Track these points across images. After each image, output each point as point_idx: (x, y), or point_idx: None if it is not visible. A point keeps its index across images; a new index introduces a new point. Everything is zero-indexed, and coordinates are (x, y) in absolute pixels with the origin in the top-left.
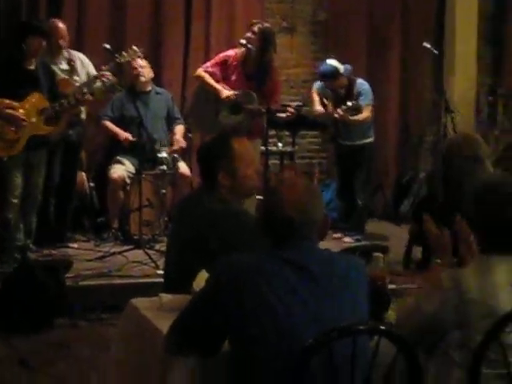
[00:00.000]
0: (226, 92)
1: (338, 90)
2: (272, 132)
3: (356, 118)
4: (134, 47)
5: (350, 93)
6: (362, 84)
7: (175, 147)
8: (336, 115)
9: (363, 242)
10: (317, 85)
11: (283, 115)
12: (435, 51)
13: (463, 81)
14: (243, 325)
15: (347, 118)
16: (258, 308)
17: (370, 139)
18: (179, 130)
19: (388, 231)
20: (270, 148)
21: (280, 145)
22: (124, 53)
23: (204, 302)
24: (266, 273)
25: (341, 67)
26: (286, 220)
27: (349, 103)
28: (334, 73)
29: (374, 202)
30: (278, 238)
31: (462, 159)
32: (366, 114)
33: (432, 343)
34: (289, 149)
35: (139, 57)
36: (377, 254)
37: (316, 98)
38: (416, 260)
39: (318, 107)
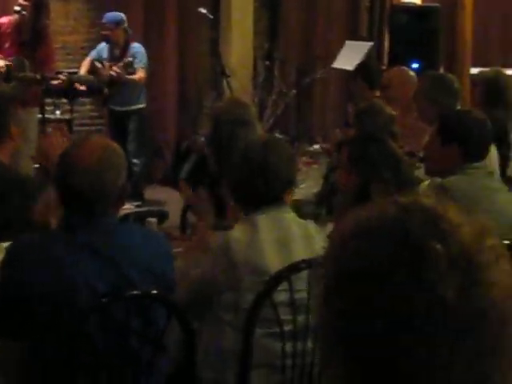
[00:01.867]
0: None
1: (114, 51)
2: (50, 100)
3: (131, 77)
4: None
5: (125, 54)
6: (137, 47)
7: None
8: (112, 73)
9: (141, 208)
10: (93, 52)
11: (56, 82)
12: (211, 16)
13: (240, 45)
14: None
15: (123, 76)
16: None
17: (142, 105)
18: None
19: (168, 196)
20: (47, 116)
21: (58, 112)
22: None
23: None
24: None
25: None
26: (74, 191)
27: (125, 60)
28: (119, 19)
29: (153, 168)
30: (71, 211)
31: (230, 123)
32: (140, 74)
33: (204, 306)
34: (67, 116)
35: None
36: (150, 219)
37: (86, 63)
38: (193, 224)
39: (84, 71)
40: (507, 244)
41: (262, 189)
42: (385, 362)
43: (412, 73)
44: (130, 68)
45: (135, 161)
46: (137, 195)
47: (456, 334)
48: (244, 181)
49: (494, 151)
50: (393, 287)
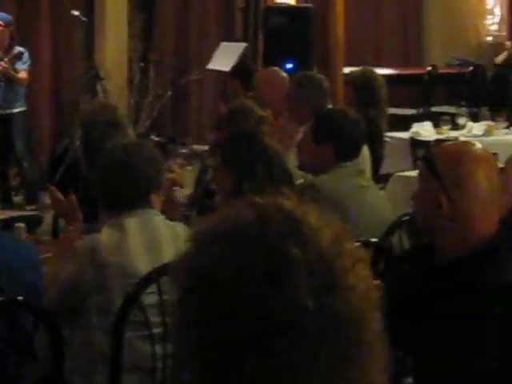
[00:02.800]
0: None
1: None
2: None
3: (15, 73)
4: None
5: (9, 53)
6: (22, 50)
7: None
8: None
9: (13, 213)
10: None
11: None
12: (84, 19)
13: (114, 48)
14: None
15: (9, 72)
16: None
17: (23, 108)
18: None
19: (46, 201)
20: None
21: None
22: None
23: None
24: None
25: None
26: None
27: (13, 52)
28: (8, 20)
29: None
30: None
31: (97, 126)
32: (23, 75)
33: (74, 310)
34: None
35: None
36: (19, 224)
37: None
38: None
39: None
40: (374, 242)
41: (126, 191)
42: (241, 366)
43: (283, 74)
44: (16, 62)
45: (26, 165)
46: (31, 200)
47: (316, 339)
48: (109, 184)
49: (366, 150)
50: (250, 292)
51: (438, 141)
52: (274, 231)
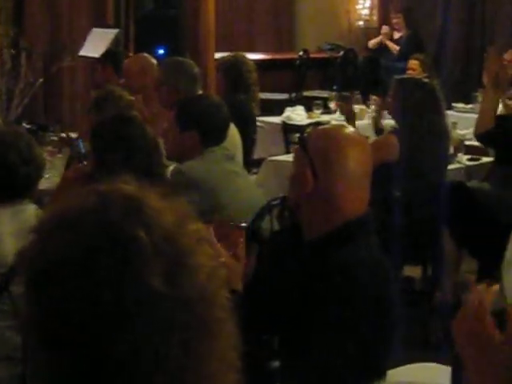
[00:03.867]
0: None
1: None
2: None
3: None
4: None
5: None
6: None
7: None
8: None
9: None
10: None
11: None
12: None
13: None
14: None
15: None
16: None
17: None
18: None
19: None
20: None
21: None
22: None
23: None
24: None
25: None
26: None
27: None
28: None
29: None
30: None
31: None
32: None
33: None
34: None
35: None
36: None
37: None
38: None
39: None
40: (244, 226)
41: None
42: (93, 352)
43: (153, 60)
44: None
45: None
46: None
47: (167, 318)
48: None
49: (236, 134)
50: (99, 277)
51: (316, 124)
52: (116, 215)
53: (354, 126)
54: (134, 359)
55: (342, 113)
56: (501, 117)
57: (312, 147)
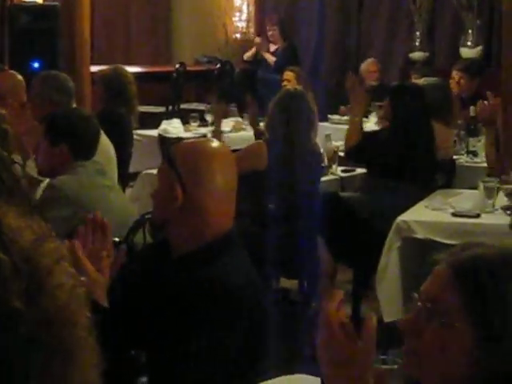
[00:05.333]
0: None
1: None
2: None
3: None
4: None
5: None
6: None
7: None
8: None
9: None
10: None
11: None
12: None
13: None
14: None
15: None
16: None
17: None
18: None
19: None
20: None
21: None
22: None
23: None
24: None
25: None
26: None
27: None
28: None
29: None
30: None
31: None
32: None
33: None
34: None
35: None
36: None
37: None
38: None
39: None
40: (116, 241)
41: None
42: None
43: (18, 76)
44: None
45: None
46: None
47: (28, 339)
48: None
49: (110, 148)
50: None
51: (179, 138)
52: None
53: (219, 124)
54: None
55: (214, 114)
56: (366, 133)
57: (180, 162)
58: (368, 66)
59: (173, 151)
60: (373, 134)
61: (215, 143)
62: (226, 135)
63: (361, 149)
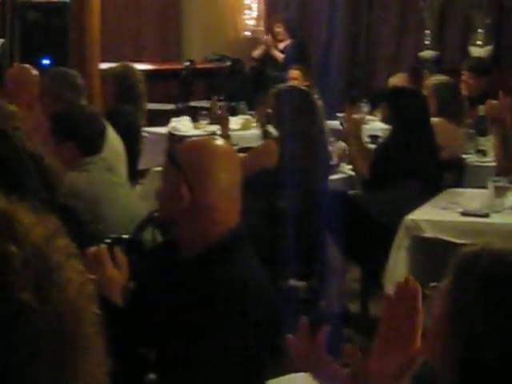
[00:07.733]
0: None
1: None
2: None
3: None
4: None
5: None
6: None
7: None
8: None
9: None
10: None
11: None
12: None
13: None
14: None
15: None
16: None
17: None
18: None
19: None
20: None
21: None
22: None
23: None
24: None
25: None
26: None
27: None
28: None
29: None
30: None
31: None
32: None
33: None
34: None
35: None
36: None
37: None
38: None
39: None
40: (126, 238)
41: None
42: None
43: (34, 71)
44: None
45: None
46: None
47: (40, 331)
48: None
49: (119, 145)
50: None
51: (182, 137)
52: None
53: (226, 131)
54: (1, 374)
55: (213, 119)
56: (375, 152)
57: (185, 161)
58: (399, 79)
59: (177, 151)
60: (379, 148)
61: (217, 141)
62: (235, 133)
63: (376, 171)
